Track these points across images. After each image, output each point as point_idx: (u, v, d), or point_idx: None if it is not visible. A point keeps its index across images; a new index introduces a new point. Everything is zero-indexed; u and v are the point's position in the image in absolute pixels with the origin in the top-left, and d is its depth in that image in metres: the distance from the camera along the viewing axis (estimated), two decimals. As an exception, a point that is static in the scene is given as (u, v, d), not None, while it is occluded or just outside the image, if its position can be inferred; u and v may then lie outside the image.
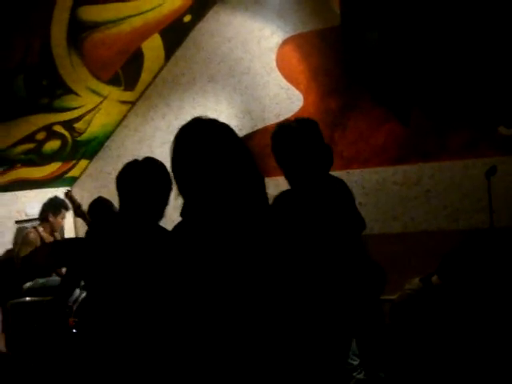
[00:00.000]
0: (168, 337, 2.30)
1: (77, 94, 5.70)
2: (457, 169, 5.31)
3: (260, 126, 6.16)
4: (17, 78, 4.99)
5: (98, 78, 5.79)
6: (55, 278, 5.11)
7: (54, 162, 6.31)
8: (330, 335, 2.62)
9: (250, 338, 2.04)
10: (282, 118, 5.95)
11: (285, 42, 6.06)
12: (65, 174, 6.65)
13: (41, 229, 5.60)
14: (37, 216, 5.85)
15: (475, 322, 3.11)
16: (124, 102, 6.53)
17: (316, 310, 2.56)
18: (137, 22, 5.54)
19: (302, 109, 5.94)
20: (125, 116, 6.76)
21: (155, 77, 6.59)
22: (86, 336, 2.93)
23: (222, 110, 6.31)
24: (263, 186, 2.13)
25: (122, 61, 5.88)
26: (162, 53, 6.31)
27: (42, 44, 4.93)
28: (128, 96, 6.48)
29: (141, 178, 2.72)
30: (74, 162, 6.64)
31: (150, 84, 6.62)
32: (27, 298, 4.69)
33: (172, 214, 2.65)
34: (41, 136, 5.80)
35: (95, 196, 5.17)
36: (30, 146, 5.78)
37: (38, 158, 6.02)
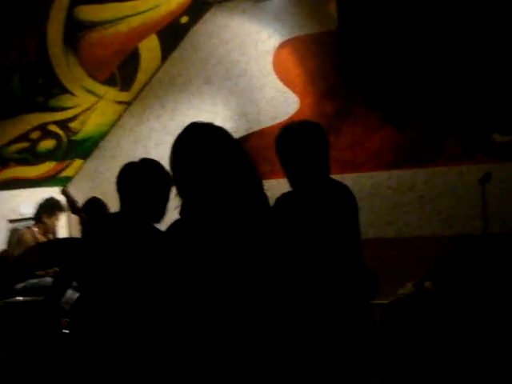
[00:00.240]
0: (161, 337, 2.30)
1: (72, 94, 5.69)
2: (451, 175, 5.31)
3: (256, 128, 6.16)
4: (13, 77, 4.98)
5: (94, 78, 5.78)
6: (47, 279, 5.09)
7: (48, 162, 6.29)
8: (321, 336, 2.62)
9: (241, 336, 2.04)
10: (277, 121, 5.96)
11: (282, 45, 6.07)
12: (59, 173, 6.63)
13: (35, 229, 5.58)
14: (30, 215, 5.82)
15: (467, 328, 3.12)
16: (120, 103, 6.52)
17: (308, 311, 2.57)
18: (134, 22, 5.54)
19: (298, 112, 5.94)
20: (120, 116, 6.75)
21: (151, 77, 6.59)
22: (78, 336, 2.92)
23: (218, 112, 6.30)
24: (260, 187, 2.16)
25: (119, 61, 5.87)
26: (158, 53, 6.31)
27: (38, 43, 4.92)
28: (124, 96, 6.47)
29: (142, 178, 2.73)
30: (68, 161, 6.63)
31: (145, 85, 6.61)
32: (19, 298, 4.67)
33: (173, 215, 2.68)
34: (35, 135, 5.78)
35: (89, 196, 5.15)
36: (25, 144, 5.76)
37: (32, 157, 6.00)
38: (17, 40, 4.79)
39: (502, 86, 5.09)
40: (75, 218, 5.55)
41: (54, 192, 6.08)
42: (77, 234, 5.83)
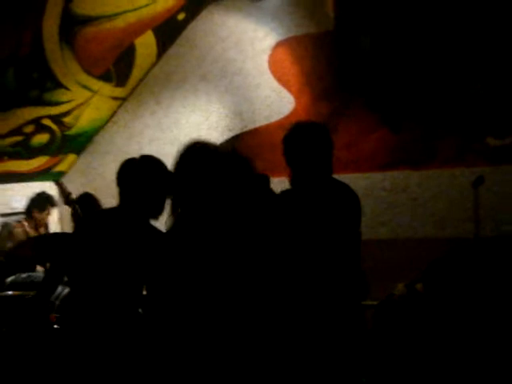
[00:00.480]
0: (152, 332, 2.30)
1: (67, 89, 5.66)
2: (444, 177, 5.33)
3: (250, 127, 6.16)
4: (7, 70, 4.95)
5: (89, 73, 5.76)
6: (38, 274, 5.06)
7: (41, 156, 6.26)
8: (313, 333, 2.64)
9: (232, 335, 2.04)
10: (272, 120, 5.96)
11: (278, 45, 6.07)
12: (52, 168, 6.60)
13: (26, 223, 5.56)
14: (22, 209, 5.80)
15: (458, 330, 3.13)
16: (114, 98, 6.49)
17: (302, 308, 2.59)
18: (131, 17, 5.52)
19: (293, 112, 5.94)
20: (115, 112, 6.72)
21: (147, 74, 6.57)
22: (68, 332, 2.91)
23: (213, 109, 6.29)
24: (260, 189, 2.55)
25: (114, 56, 5.85)
26: (154, 50, 6.29)
27: (33, 37, 4.89)
28: (119, 92, 6.45)
29: (143, 174, 2.75)
30: (61, 156, 6.60)
31: (141, 81, 6.59)
32: (9, 292, 4.64)
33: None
34: (29, 129, 5.75)
35: (82, 191, 5.13)
36: (18, 138, 5.73)
37: (25, 151, 5.97)
38: (12, 33, 4.77)
39: (496, 90, 5.11)
40: (67, 213, 5.53)
41: (47, 187, 6.06)
42: (69, 228, 5.81)
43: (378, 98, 5.57)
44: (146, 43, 6.05)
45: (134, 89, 6.61)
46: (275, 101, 6.07)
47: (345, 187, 3.00)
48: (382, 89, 5.52)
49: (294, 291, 2.59)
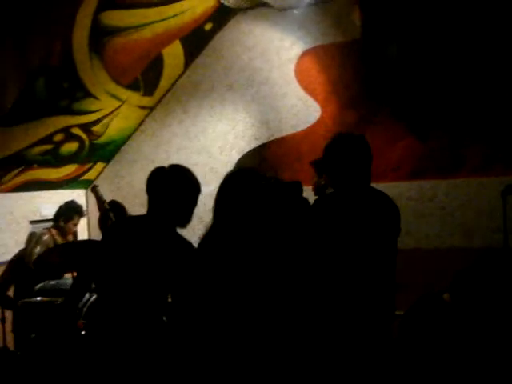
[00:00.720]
0: (175, 340, 2.31)
1: (96, 98, 5.74)
2: (472, 186, 5.27)
3: (277, 136, 6.17)
4: (38, 80, 5.03)
5: (118, 83, 5.83)
6: (66, 281, 5.12)
7: (70, 164, 6.35)
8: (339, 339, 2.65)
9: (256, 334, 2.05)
10: (299, 129, 5.97)
11: (305, 53, 6.07)
12: (81, 176, 6.69)
13: (54, 231, 5.63)
14: (51, 217, 5.87)
15: (485, 342, 3.08)
16: (142, 107, 6.57)
17: (335, 316, 2.61)
18: (158, 28, 5.58)
19: (320, 120, 5.94)
20: (142, 121, 6.80)
21: (174, 83, 6.63)
22: (94, 338, 2.94)
23: (240, 118, 6.32)
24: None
25: (142, 66, 5.92)
26: (181, 60, 6.35)
27: (63, 47, 4.97)
28: (146, 101, 6.52)
29: (172, 183, 2.79)
30: (90, 164, 6.68)
31: (168, 90, 6.65)
32: (38, 298, 4.70)
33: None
34: (58, 138, 5.83)
35: (109, 199, 5.18)
36: (48, 147, 5.81)
37: (54, 159, 6.05)
38: (43, 44, 4.85)
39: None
40: (95, 221, 5.58)
41: (76, 195, 6.14)
42: (97, 236, 5.87)
43: (405, 107, 5.53)
44: (173, 53, 6.11)
45: (161, 98, 6.68)
46: (302, 110, 6.07)
47: (384, 196, 3.04)
48: (408, 97, 5.49)
49: (330, 297, 2.61)
